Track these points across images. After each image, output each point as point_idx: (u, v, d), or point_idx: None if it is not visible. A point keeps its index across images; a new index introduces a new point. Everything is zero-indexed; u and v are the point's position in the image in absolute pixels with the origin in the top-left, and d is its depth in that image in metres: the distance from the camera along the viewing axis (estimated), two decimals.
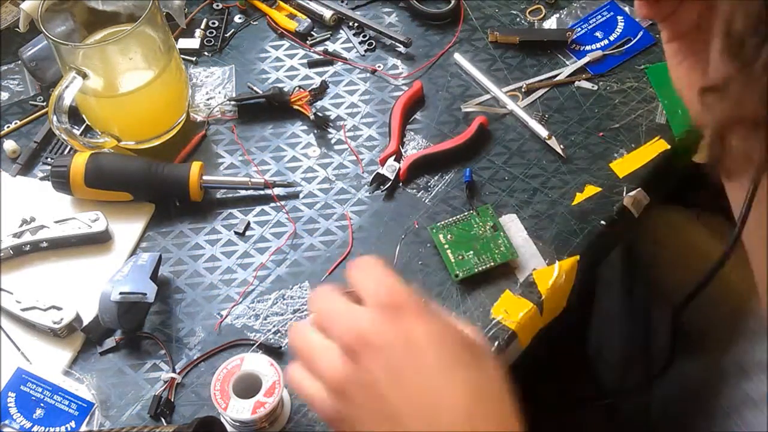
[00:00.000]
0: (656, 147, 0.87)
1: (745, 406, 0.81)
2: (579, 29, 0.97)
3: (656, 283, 0.96)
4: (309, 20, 1.00)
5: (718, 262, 0.65)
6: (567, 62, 0.95)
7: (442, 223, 0.83)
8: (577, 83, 0.93)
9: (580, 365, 1.05)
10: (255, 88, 0.95)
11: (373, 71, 0.96)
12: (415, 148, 0.90)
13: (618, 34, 0.96)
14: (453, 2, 1.00)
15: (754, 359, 0.82)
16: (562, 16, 0.99)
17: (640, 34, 0.95)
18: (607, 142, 0.88)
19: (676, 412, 0.91)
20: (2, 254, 0.83)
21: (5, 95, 0.97)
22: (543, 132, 0.89)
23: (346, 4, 1.02)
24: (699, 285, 0.68)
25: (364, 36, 0.99)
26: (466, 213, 0.84)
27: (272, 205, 0.87)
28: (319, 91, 0.95)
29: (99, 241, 0.85)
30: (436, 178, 0.88)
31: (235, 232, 0.85)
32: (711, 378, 0.85)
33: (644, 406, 0.95)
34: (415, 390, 0.51)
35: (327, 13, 1.00)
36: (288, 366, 0.58)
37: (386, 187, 0.87)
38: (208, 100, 0.95)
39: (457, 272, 0.80)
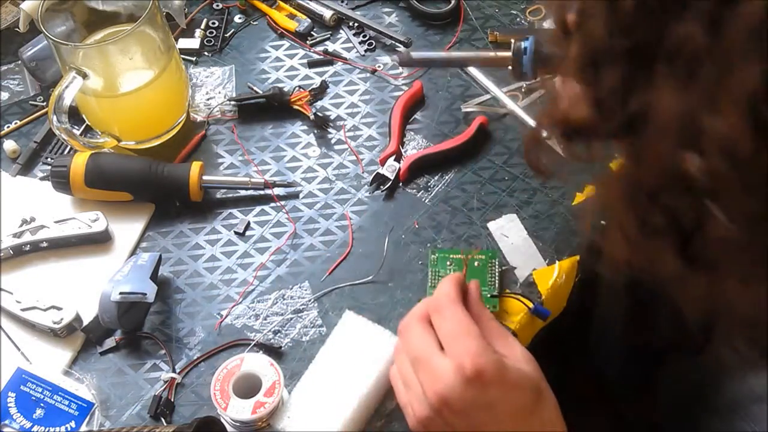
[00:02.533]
0: None
1: (750, 400, 0.80)
2: None
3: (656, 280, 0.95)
4: (309, 20, 1.00)
5: None
6: None
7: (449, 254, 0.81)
8: None
9: (581, 364, 1.04)
10: (255, 88, 0.95)
11: (373, 71, 0.96)
12: (415, 148, 0.90)
13: None
14: (453, 2, 1.00)
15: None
16: None
17: None
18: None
19: (680, 408, 0.91)
20: (2, 254, 0.83)
21: (5, 95, 0.97)
22: (543, 132, 0.89)
23: (346, 4, 1.02)
24: None
25: (364, 36, 0.99)
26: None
27: (272, 205, 0.87)
28: (319, 91, 0.94)
29: (99, 241, 0.84)
30: (436, 178, 0.88)
31: (235, 232, 0.85)
32: (715, 373, 0.85)
33: (648, 403, 0.94)
34: None
35: (327, 13, 1.00)
36: (391, 367, 0.69)
37: (386, 187, 0.87)
38: (208, 100, 0.95)
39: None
